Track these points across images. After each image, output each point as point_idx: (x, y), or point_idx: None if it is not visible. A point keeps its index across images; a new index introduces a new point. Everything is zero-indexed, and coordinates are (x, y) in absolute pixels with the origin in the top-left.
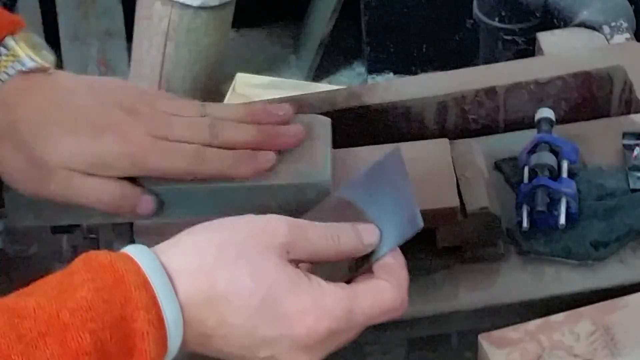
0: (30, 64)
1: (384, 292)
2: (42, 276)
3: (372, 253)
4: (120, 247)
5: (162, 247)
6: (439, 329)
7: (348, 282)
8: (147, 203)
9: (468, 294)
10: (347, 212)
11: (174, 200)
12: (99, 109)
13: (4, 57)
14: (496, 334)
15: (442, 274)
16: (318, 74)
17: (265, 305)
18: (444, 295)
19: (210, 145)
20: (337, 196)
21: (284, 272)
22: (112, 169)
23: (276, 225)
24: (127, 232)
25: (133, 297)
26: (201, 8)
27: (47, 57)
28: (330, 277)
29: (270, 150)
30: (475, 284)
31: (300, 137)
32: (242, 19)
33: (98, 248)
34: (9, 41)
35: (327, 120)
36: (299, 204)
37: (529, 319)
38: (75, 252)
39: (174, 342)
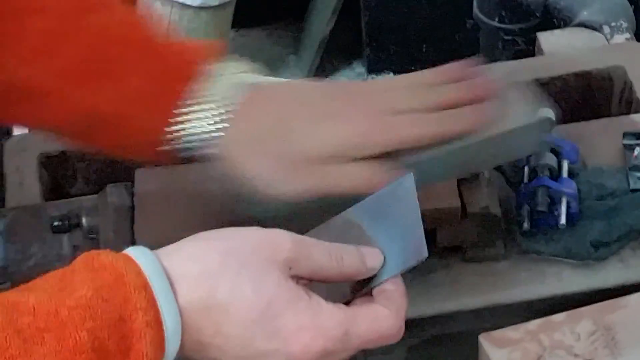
0: (252, 79)
1: (382, 318)
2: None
3: (373, 277)
4: (121, 247)
5: (165, 250)
6: (440, 329)
7: (346, 303)
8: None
9: (468, 293)
10: (352, 234)
11: (429, 170)
12: (324, 98)
13: (226, 79)
14: (497, 333)
15: (443, 273)
16: (318, 74)
17: (263, 319)
18: (445, 295)
19: (435, 109)
20: (344, 216)
21: (285, 288)
22: (365, 150)
23: (281, 240)
24: (128, 232)
25: (132, 297)
26: (201, 8)
27: (254, 68)
28: (328, 297)
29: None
30: (476, 284)
31: (499, 83)
32: (242, 19)
33: (98, 248)
34: (220, 64)
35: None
36: (523, 145)
37: (530, 319)
38: (76, 252)
39: (172, 346)
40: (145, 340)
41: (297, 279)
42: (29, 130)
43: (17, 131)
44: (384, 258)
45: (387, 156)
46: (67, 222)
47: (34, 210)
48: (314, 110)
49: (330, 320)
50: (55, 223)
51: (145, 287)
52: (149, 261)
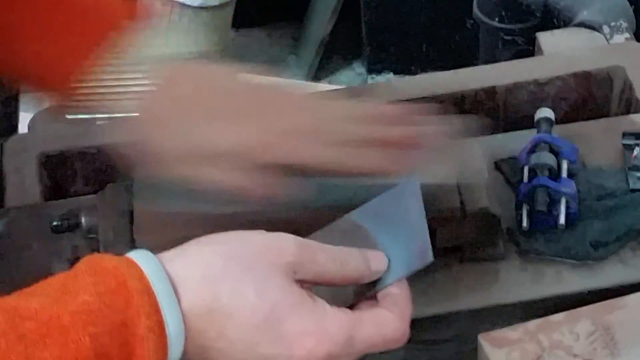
0: None
1: (387, 322)
2: (42, 276)
3: (377, 281)
4: (121, 247)
5: (168, 255)
6: (439, 329)
7: (351, 307)
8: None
9: (468, 294)
10: (357, 237)
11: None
12: (232, 99)
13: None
14: (496, 333)
15: (442, 274)
16: (318, 74)
17: (267, 323)
18: (444, 295)
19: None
20: (348, 219)
21: (289, 292)
22: (242, 160)
23: (285, 244)
24: (128, 232)
25: (135, 302)
26: (201, 8)
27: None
28: (333, 301)
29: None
30: (475, 284)
31: (441, 137)
32: (242, 19)
33: (98, 248)
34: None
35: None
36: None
37: (529, 319)
38: (75, 252)
39: (175, 350)
40: (147, 345)
41: (301, 282)
42: (28, 130)
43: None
44: (389, 261)
45: (285, 170)
46: (66, 222)
47: (34, 210)
48: (219, 106)
49: (334, 325)
50: (55, 223)
51: (148, 291)
52: (152, 266)
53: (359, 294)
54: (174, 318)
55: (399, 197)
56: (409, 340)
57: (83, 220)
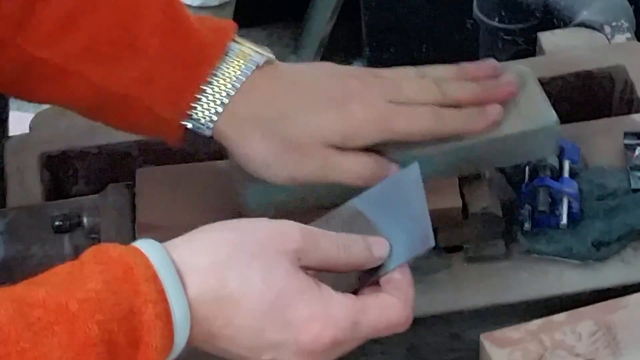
0: (261, 58)
1: (391, 307)
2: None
3: (380, 267)
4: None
5: (174, 242)
6: (440, 329)
7: (354, 293)
8: (393, 172)
9: (470, 293)
10: (358, 224)
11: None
12: (333, 82)
13: (235, 59)
14: (498, 333)
15: (444, 274)
16: None
17: (274, 310)
18: (446, 295)
19: (441, 105)
20: (348, 206)
21: (295, 278)
22: (364, 138)
23: (290, 231)
24: (129, 232)
25: (142, 290)
26: (201, 8)
27: (268, 50)
28: (336, 287)
29: (494, 103)
30: (477, 284)
31: (516, 86)
32: (242, 19)
33: None
34: (232, 45)
35: (529, 70)
36: (528, 151)
37: (531, 319)
38: (77, 252)
39: (181, 338)
40: (154, 332)
41: (306, 269)
42: (30, 130)
43: (17, 131)
44: (390, 247)
45: (384, 147)
46: (68, 222)
47: (35, 210)
48: (314, 96)
49: (340, 311)
50: (56, 223)
51: (155, 279)
52: (158, 253)
53: (362, 280)
54: (180, 305)
55: (400, 185)
56: (409, 341)
57: (85, 220)
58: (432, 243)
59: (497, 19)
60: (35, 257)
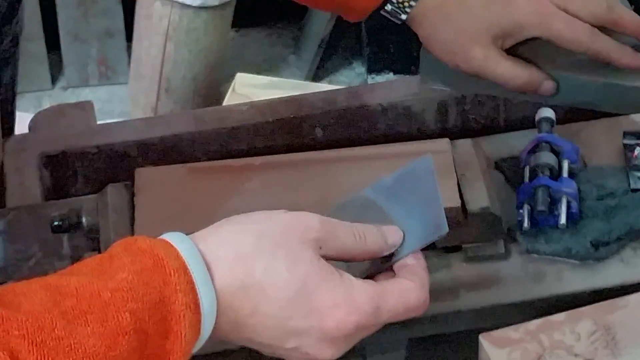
0: None
1: (409, 291)
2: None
3: (393, 254)
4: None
5: (201, 234)
6: (440, 329)
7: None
8: (549, 85)
9: (469, 293)
10: (372, 212)
11: (569, 89)
12: None
13: None
14: (497, 333)
15: (443, 273)
16: (318, 74)
17: (299, 298)
18: (445, 295)
19: (600, 28)
20: (362, 196)
21: (318, 266)
22: (524, 30)
23: (310, 221)
24: (128, 232)
25: (172, 280)
26: (201, 8)
27: None
28: (350, 273)
29: None
30: (476, 284)
31: None
32: (242, 19)
33: (99, 248)
34: None
35: None
36: None
37: (530, 319)
38: (76, 252)
39: (207, 327)
40: (184, 322)
41: (325, 258)
42: (29, 130)
43: (17, 131)
44: (404, 234)
45: (544, 64)
46: (67, 222)
47: (34, 210)
48: None
49: (362, 297)
50: (56, 223)
51: (184, 270)
52: (186, 245)
53: (374, 267)
54: (208, 296)
55: (413, 174)
56: (409, 341)
57: (84, 220)
58: (446, 229)
59: None
60: (35, 257)
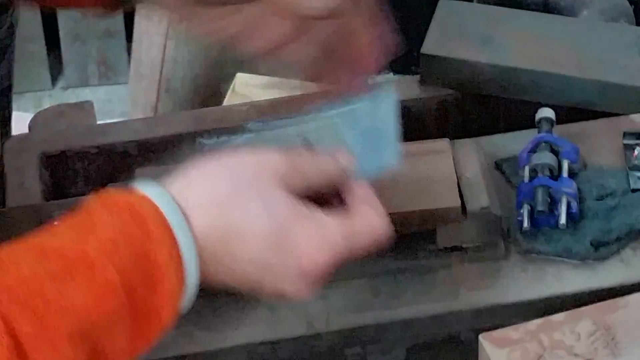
0: None
1: (372, 218)
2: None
3: (346, 183)
4: None
5: (174, 185)
6: (440, 329)
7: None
8: None
9: (469, 293)
10: (330, 135)
11: (569, 89)
12: None
13: None
14: (497, 333)
15: (443, 273)
16: None
17: (276, 238)
18: (445, 295)
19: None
20: (321, 117)
21: (290, 204)
22: None
23: (275, 159)
24: None
25: (152, 234)
26: None
27: None
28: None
29: None
30: (476, 284)
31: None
32: None
33: None
34: None
35: None
36: None
37: (530, 319)
38: None
39: (192, 277)
40: (168, 274)
41: (293, 195)
42: (29, 130)
43: (17, 131)
44: (358, 163)
45: None
46: None
47: (34, 210)
48: None
49: (333, 230)
50: (56, 223)
51: (164, 222)
52: (163, 197)
53: (328, 197)
54: (189, 245)
55: (374, 106)
56: (409, 341)
57: None
58: (398, 163)
59: None
60: None
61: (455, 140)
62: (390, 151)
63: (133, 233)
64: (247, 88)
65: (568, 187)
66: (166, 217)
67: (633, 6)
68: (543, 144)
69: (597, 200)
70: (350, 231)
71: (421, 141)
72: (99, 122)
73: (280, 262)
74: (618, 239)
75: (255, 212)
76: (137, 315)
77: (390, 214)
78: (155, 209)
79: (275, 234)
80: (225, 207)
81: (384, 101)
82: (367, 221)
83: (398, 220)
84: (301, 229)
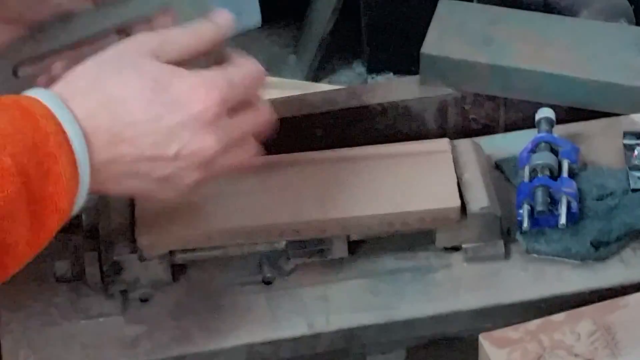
0: None
1: (244, 62)
2: (43, 277)
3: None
4: (122, 247)
5: (55, 86)
6: (440, 329)
7: None
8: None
9: (469, 293)
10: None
11: (569, 89)
12: None
13: None
14: (497, 333)
15: (443, 273)
16: (318, 74)
17: (157, 94)
18: (445, 295)
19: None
20: None
21: (162, 66)
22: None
23: (142, 36)
24: (128, 232)
25: (41, 125)
26: None
27: None
28: None
29: None
30: (476, 284)
31: None
32: None
33: (99, 247)
34: None
35: None
36: None
37: (530, 319)
38: (76, 252)
39: (83, 163)
40: (60, 160)
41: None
42: None
43: None
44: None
45: None
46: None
47: None
48: None
49: (213, 74)
50: None
51: (49, 113)
52: (45, 94)
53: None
54: (75, 129)
55: None
56: (409, 341)
57: (84, 220)
58: (259, 21)
59: None
60: (34, 257)
61: (455, 140)
62: (250, 8)
63: (23, 126)
64: None
65: (568, 187)
66: (50, 109)
67: (633, 6)
68: (543, 144)
69: (597, 200)
70: (228, 72)
71: (421, 141)
72: None
73: (171, 116)
74: (618, 239)
75: (126, 77)
76: (34, 202)
77: (390, 214)
78: (40, 104)
79: (152, 90)
80: (99, 83)
81: None
82: (244, 66)
83: (398, 220)
84: (179, 80)
